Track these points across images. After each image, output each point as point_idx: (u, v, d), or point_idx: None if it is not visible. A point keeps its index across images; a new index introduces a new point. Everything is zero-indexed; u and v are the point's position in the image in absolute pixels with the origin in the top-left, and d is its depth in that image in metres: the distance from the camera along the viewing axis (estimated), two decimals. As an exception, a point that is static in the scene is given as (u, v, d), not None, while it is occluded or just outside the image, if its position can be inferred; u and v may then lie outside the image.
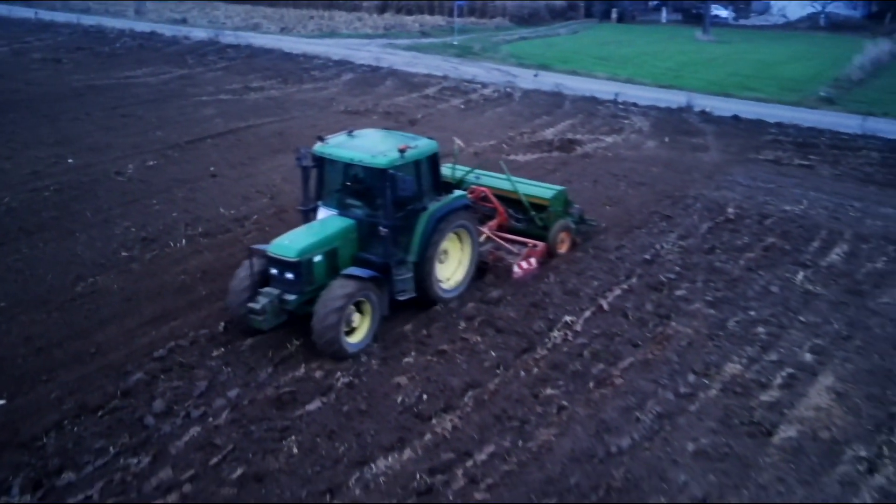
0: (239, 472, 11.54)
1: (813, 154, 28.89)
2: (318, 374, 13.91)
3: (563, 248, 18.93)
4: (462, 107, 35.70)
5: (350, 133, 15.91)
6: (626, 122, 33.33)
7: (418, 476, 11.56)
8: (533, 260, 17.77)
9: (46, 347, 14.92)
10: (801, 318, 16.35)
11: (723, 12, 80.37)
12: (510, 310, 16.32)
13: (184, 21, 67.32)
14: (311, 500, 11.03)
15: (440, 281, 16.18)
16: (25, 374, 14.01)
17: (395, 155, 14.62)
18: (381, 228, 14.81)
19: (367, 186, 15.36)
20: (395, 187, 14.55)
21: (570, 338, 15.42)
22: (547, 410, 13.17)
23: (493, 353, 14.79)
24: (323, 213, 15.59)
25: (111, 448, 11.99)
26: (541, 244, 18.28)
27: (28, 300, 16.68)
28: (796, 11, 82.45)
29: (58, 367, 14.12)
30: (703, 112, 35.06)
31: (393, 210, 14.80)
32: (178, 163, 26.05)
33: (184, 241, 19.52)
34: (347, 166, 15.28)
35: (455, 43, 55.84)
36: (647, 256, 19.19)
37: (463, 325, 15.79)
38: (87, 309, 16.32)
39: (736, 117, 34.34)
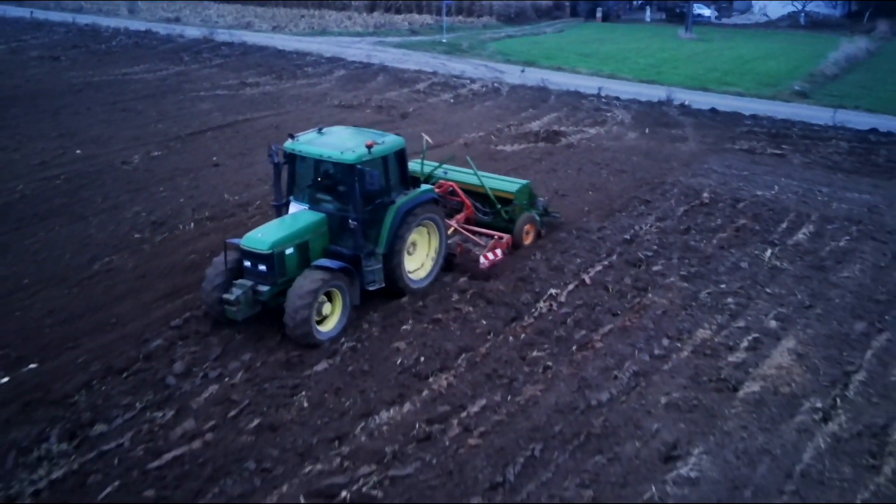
0: (255, 422, 12.68)
1: (785, 144, 30.17)
2: (323, 340, 15.04)
3: (528, 240, 19.38)
4: (451, 101, 36.84)
5: (320, 130, 16.29)
6: (608, 114, 34.53)
7: (417, 425, 12.71)
8: (499, 251, 18.10)
9: (69, 319, 15.99)
10: (768, 290, 17.57)
11: (706, 11, 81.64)
12: (499, 284, 17.48)
13: (177, 20, 68.16)
14: (322, 447, 12.15)
15: (409, 272, 16.62)
16: (52, 342, 15.09)
17: (363, 151, 15.04)
18: (350, 221, 15.26)
19: (336, 181, 15.77)
20: (363, 182, 15.00)
21: (554, 308, 16.59)
22: (533, 370, 14.34)
23: (484, 322, 15.95)
24: (294, 207, 15.96)
25: (137, 404, 13.11)
26: (507, 236, 18.68)
27: (48, 277, 17.75)
28: (777, 10, 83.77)
29: (82, 335, 15.18)
30: (682, 105, 36.31)
31: (361, 204, 15.25)
32: (181, 153, 27.09)
33: (192, 224, 20.59)
34: (317, 162, 15.70)
35: (444, 41, 56.95)
36: (627, 236, 20.38)
37: (456, 297, 16.96)
38: (104, 285, 17.38)
39: (713, 110, 35.60)
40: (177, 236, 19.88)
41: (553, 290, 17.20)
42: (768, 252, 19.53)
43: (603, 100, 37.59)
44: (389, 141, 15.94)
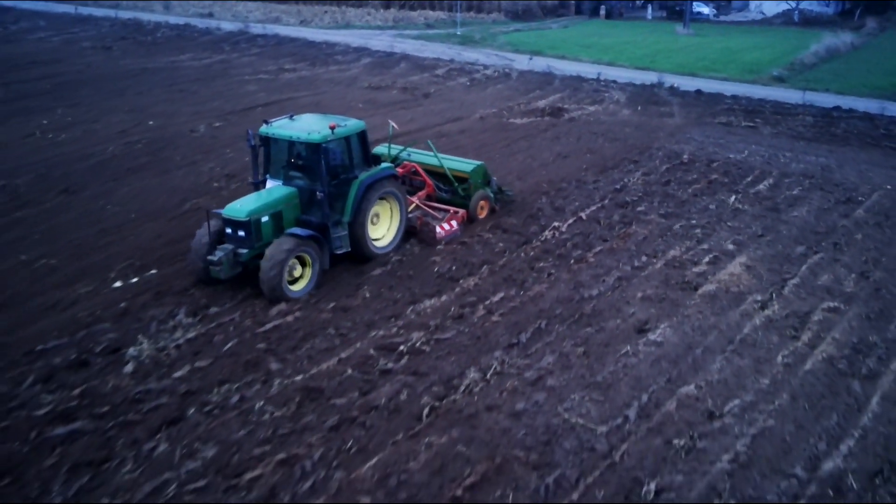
0: (331, 305, 16.42)
1: (758, 118, 33.70)
2: (375, 255, 18.73)
3: (482, 214, 20.81)
4: (468, 84, 40.43)
5: (291, 117, 17.82)
6: (606, 95, 38.06)
7: (453, 309, 16.43)
8: (454, 223, 19.71)
9: (173, 241, 19.68)
10: (729, 224, 21.21)
11: (704, 9, 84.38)
12: (512, 218, 21.18)
13: (210, 15, 71.61)
14: (382, 321, 15.90)
15: (374, 239, 18.18)
16: (163, 257, 18.81)
17: (327, 132, 16.58)
18: (318, 194, 16.77)
19: (305, 159, 17.31)
20: (328, 159, 16.73)
21: (556, 235, 20.26)
22: (540, 275, 18.03)
23: (501, 244, 19.65)
24: (270, 184, 17.54)
25: (239, 294, 16.85)
26: (462, 210, 20.23)
27: (150, 213, 21.47)
28: (772, 8, 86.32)
29: (185, 252, 18.75)
30: (671, 87, 39.81)
31: (327, 179, 16.77)
32: (238, 124, 30.73)
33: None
34: (289, 143, 17.23)
35: (458, 33, 60.46)
36: (617, 186, 24.02)
37: (479, 228, 20.63)
38: (195, 219, 20.98)
39: (699, 91, 39.12)
40: (247, 185, 23.47)
41: (556, 223, 20.85)
42: (733, 198, 23.13)
43: (601, 83, 41.07)
44: (351, 124, 17.43)
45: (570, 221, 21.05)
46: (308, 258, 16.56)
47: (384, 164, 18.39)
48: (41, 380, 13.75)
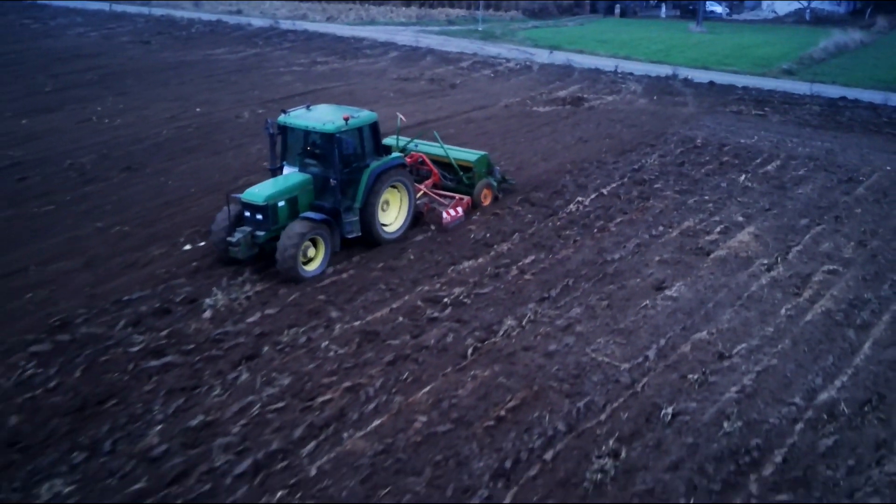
0: (380, 265, 18.10)
1: (767, 107, 35.18)
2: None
3: (486, 202, 21.43)
4: (491, 75, 42.04)
5: (307, 107, 18.39)
6: (623, 86, 39.59)
7: (489, 269, 18.08)
8: (459, 209, 20.37)
9: (232, 212, 21.35)
10: (739, 200, 22.77)
11: (717, 8, 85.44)
12: (540, 193, 22.81)
13: (238, 12, 73.28)
14: (426, 279, 17.59)
15: (384, 225, 18.70)
16: (225, 225, 20.49)
17: (341, 122, 17.17)
18: (331, 181, 17.41)
19: (319, 148, 17.87)
20: (341, 148, 17.37)
21: (580, 208, 21.88)
22: (566, 241, 19.66)
23: (530, 216, 21.27)
24: (287, 170, 18.17)
25: (298, 255, 18.53)
26: (466, 198, 20.91)
27: (208, 189, 23.13)
28: (784, 8, 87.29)
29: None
30: (685, 79, 41.30)
31: (340, 166, 17.38)
32: (279, 112, 32.35)
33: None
34: (305, 133, 17.77)
35: (479, 29, 62.04)
36: (635, 167, 25.60)
37: (509, 202, 22.27)
38: (249, 193, 22.71)
39: (711, 83, 40.58)
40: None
41: (579, 198, 22.46)
42: (742, 177, 24.69)
43: (618, 75, 42.60)
44: (364, 115, 18.03)
45: (593, 196, 22.62)
46: (321, 240, 17.19)
47: (394, 154, 19.08)
48: (131, 324, 15.47)
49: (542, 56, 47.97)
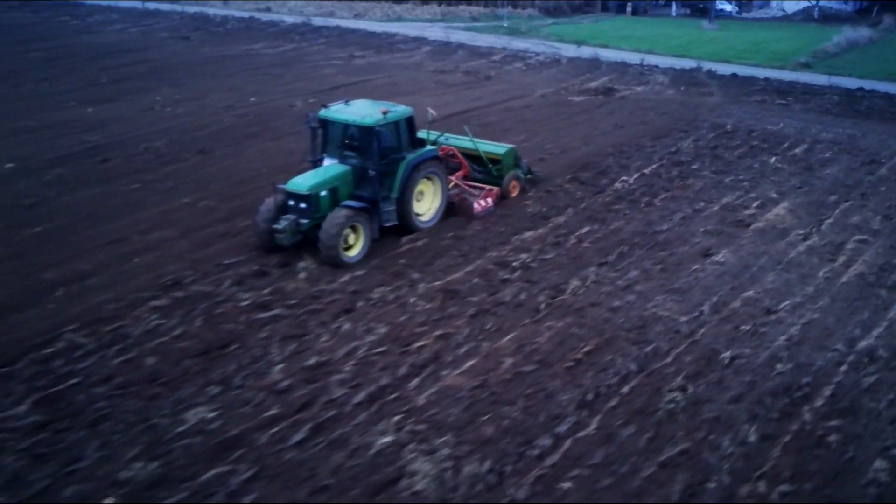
0: (449, 234, 19.60)
1: (789, 97, 36.60)
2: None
3: (513, 193, 21.85)
4: (523, 68, 43.50)
5: (346, 102, 18.94)
6: (650, 77, 41.02)
7: (549, 238, 19.58)
8: (489, 200, 20.87)
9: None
10: (772, 179, 24.24)
11: (727, 6, 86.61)
12: (586, 173, 24.32)
13: (268, 10, 74.73)
14: (493, 246, 19.12)
15: (418, 214, 19.20)
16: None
17: (379, 116, 17.72)
18: (369, 172, 17.90)
19: (359, 141, 18.29)
20: (380, 141, 17.88)
21: (625, 186, 23.36)
22: (616, 215, 21.16)
23: (580, 193, 22.76)
24: (327, 162, 18.66)
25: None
26: (495, 189, 21.35)
27: (276, 169, 24.48)
28: (793, 6, 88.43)
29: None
30: (708, 72, 42.70)
31: (378, 158, 17.86)
32: (327, 101, 33.90)
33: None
34: (344, 126, 18.30)
35: (505, 25, 63.54)
36: (672, 150, 27.08)
37: (558, 181, 23.78)
38: (317, 173, 24.25)
39: (734, 75, 41.99)
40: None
41: (623, 177, 23.95)
42: (773, 159, 26.17)
43: (645, 67, 43.98)
44: (400, 110, 18.51)
45: (636, 176, 24.11)
46: (360, 228, 17.71)
47: (428, 147, 19.43)
48: (235, 283, 17.04)
49: (568, 50, 49.37)
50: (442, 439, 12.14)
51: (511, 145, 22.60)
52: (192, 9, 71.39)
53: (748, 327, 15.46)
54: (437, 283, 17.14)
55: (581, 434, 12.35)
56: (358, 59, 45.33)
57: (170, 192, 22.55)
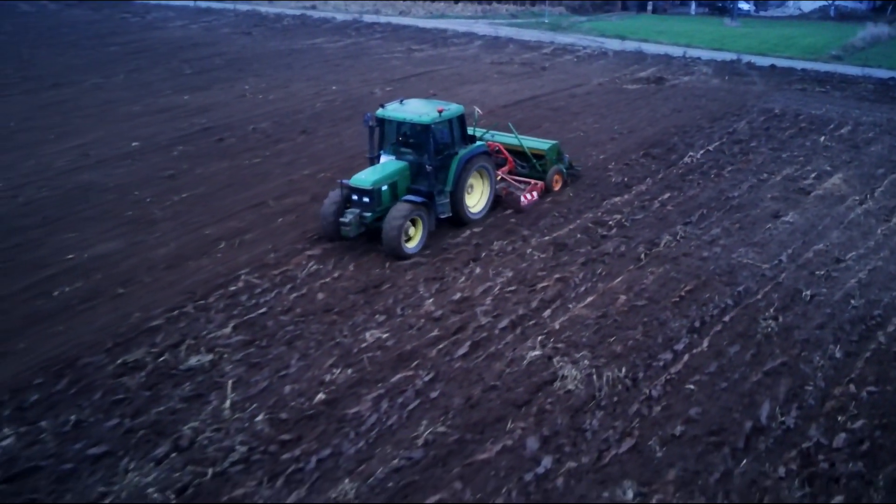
0: (548, 199, 21.90)
1: (828, 85, 38.54)
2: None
3: (556, 187, 22.33)
4: (574, 60, 45.63)
5: (401, 101, 19.46)
6: (695, 68, 43.01)
7: (635, 202, 21.81)
8: (535, 193, 21.35)
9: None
10: (823, 154, 26.34)
11: (745, 5, 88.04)
12: (656, 150, 26.54)
13: (314, 8, 76.78)
14: (588, 209, 21.40)
15: (469, 206, 19.73)
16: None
17: (435, 115, 18.19)
18: (426, 167, 18.43)
19: (416, 138, 18.91)
20: (436, 138, 18.39)
21: (693, 161, 25.54)
22: (690, 184, 23.35)
23: (654, 166, 24.96)
24: (384, 158, 19.18)
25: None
26: (540, 183, 21.84)
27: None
28: (809, 5, 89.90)
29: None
30: (748, 63, 44.70)
31: (434, 154, 18.40)
32: (404, 89, 36.03)
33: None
34: (401, 124, 18.89)
35: (546, 21, 65.68)
36: (729, 130, 29.21)
37: (633, 156, 26.03)
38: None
39: (773, 66, 43.95)
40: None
41: (690, 153, 26.13)
42: (822, 138, 28.28)
43: (688, 59, 46.01)
44: (453, 108, 19.05)
45: (701, 152, 26.30)
46: (420, 220, 18.28)
47: (479, 143, 19.87)
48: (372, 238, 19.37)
49: (612, 44, 51.42)
50: (580, 353, 14.45)
51: (554, 141, 23.06)
52: (243, 7, 73.24)
53: (822, 272, 17.65)
54: (546, 238, 19.43)
55: (695, 351, 14.61)
56: (417, 52, 47.49)
57: (289, 166, 24.90)
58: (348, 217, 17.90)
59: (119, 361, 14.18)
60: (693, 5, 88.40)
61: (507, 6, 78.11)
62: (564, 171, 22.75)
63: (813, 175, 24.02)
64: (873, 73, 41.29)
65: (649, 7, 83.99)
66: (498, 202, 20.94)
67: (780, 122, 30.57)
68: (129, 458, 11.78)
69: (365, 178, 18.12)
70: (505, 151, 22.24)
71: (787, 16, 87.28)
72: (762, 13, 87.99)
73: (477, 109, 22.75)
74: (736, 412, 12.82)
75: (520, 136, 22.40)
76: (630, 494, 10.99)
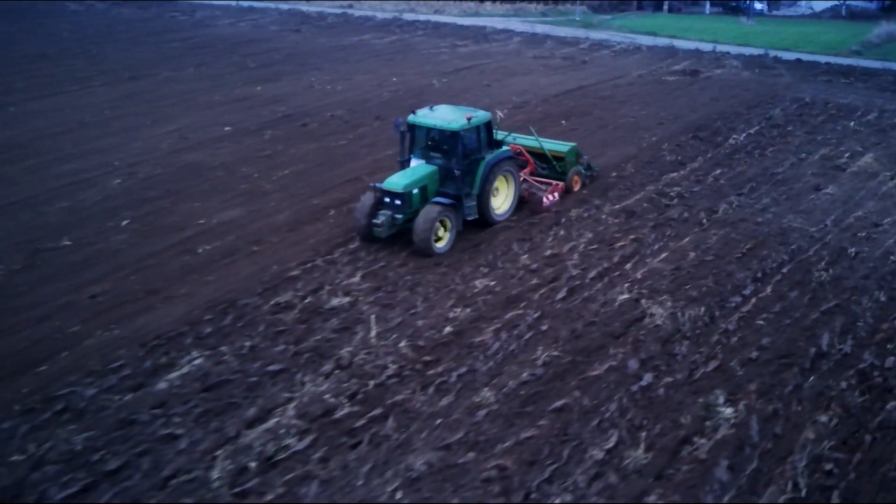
0: (613, 174, 24.12)
1: (851, 77, 40.37)
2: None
3: (576, 187, 22.44)
4: (611, 54, 47.61)
5: (431, 108, 19.64)
6: (725, 62, 44.81)
7: (691, 177, 23.91)
8: (556, 193, 21.60)
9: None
10: (854, 137, 28.32)
11: (758, 5, 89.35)
12: (702, 133, 28.64)
13: (350, 6, 78.53)
14: (649, 182, 23.53)
15: (494, 208, 19.91)
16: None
17: (464, 121, 18.44)
18: (455, 171, 18.65)
19: (445, 143, 19.06)
20: (464, 144, 18.63)
21: (737, 142, 27.56)
22: (738, 162, 25.37)
23: (703, 147, 27.01)
24: (414, 162, 19.39)
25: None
26: (560, 184, 21.97)
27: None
28: (821, 5, 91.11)
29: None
30: (775, 57, 46.59)
31: (462, 159, 18.64)
32: (459, 81, 38.21)
33: (505, 110, 31.60)
34: (430, 130, 19.10)
35: (577, 18, 67.66)
36: (766, 117, 31.19)
37: (678, 137, 28.15)
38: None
39: (798, 60, 45.78)
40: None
41: (733, 136, 28.18)
42: (851, 123, 30.27)
43: (718, 54, 47.92)
44: (480, 115, 19.28)
45: (743, 135, 28.35)
46: (448, 221, 18.50)
47: (504, 148, 19.98)
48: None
49: (643, 40, 53.34)
50: (663, 297, 16.61)
51: (573, 143, 23.27)
52: (284, 6, 74.59)
53: (863, 234, 19.75)
54: (617, 206, 21.58)
55: (761, 295, 16.75)
56: (461, 47, 49.44)
57: (373, 147, 27.08)
58: (381, 218, 18.23)
59: (272, 302, 16.42)
60: (707, 5, 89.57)
61: (535, 5, 79.96)
62: (583, 172, 22.98)
63: (847, 154, 26.03)
64: (892, 67, 43.17)
65: (665, 7, 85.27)
66: (522, 203, 21.24)
67: (812, 109, 32.55)
68: (303, 374, 13.99)
69: (397, 181, 18.47)
70: (526, 153, 22.47)
71: (799, 15, 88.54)
72: (775, 12, 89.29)
73: (499, 113, 23.07)
74: (801, 341, 14.93)
75: (540, 139, 22.67)
76: (721, 399, 13.13)
